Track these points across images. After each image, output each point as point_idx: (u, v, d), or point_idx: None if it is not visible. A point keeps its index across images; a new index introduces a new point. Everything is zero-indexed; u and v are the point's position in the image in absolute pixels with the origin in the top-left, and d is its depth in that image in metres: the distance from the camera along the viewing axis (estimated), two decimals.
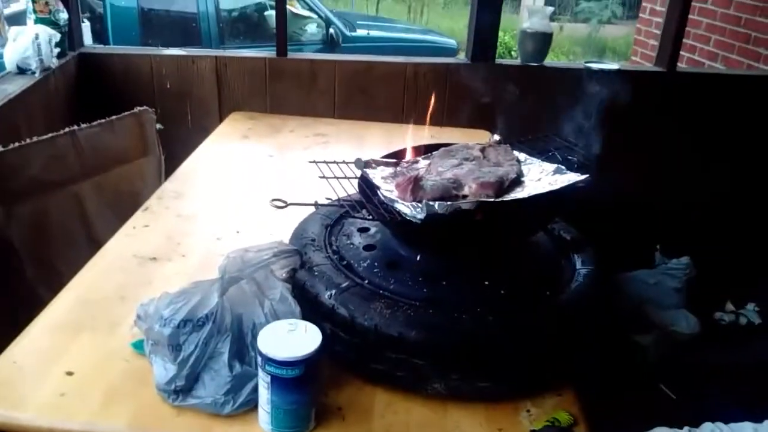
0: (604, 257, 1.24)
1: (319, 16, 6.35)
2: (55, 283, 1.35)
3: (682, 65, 2.93)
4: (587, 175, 1.14)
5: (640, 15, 4.85)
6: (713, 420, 1.06)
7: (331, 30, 6.25)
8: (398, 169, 1.23)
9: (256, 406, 0.99)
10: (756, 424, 0.99)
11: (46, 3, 2.21)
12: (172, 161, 2.11)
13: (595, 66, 2.74)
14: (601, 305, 1.17)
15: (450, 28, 10.37)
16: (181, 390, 1.01)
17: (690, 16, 2.84)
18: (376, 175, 1.20)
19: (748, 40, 3.69)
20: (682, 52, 2.87)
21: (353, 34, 6.57)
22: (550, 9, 2.73)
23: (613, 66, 2.79)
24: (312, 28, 6.35)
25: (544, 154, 1.30)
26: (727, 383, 2.42)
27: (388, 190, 1.14)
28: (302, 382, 0.93)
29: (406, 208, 1.06)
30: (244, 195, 1.79)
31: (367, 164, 1.23)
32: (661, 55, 2.80)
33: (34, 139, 1.74)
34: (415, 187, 1.09)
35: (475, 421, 1.02)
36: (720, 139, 2.86)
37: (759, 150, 2.89)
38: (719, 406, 2.21)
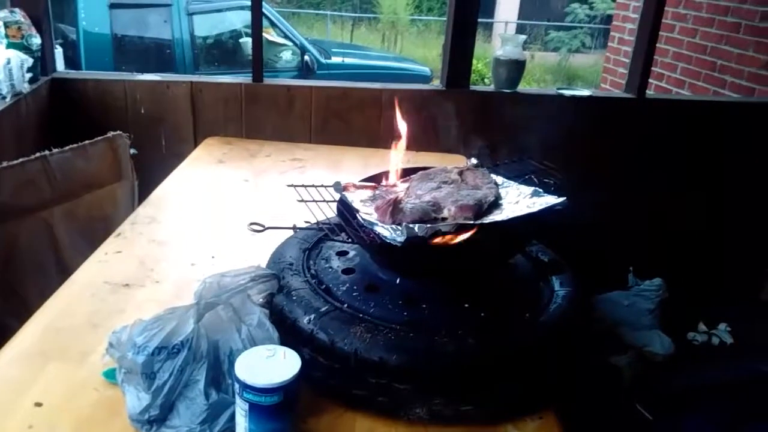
0: (581, 279, 1.25)
1: (294, 44, 6.39)
2: (23, 311, 1.31)
3: (650, 92, 3.00)
4: (564, 198, 1.15)
5: (609, 44, 4.98)
6: None
7: (307, 57, 6.29)
8: (377, 192, 1.23)
9: None
10: None
11: (19, 28, 2.18)
12: (146, 187, 2.08)
13: (567, 92, 2.80)
14: (581, 327, 1.18)
15: (423, 56, 10.54)
16: (155, 420, 0.97)
17: (657, 45, 2.92)
18: (355, 199, 1.20)
19: (714, 67, 3.80)
20: (650, 80, 2.95)
21: (328, 61, 6.62)
22: (523, 37, 2.79)
23: (585, 92, 2.85)
24: (287, 56, 6.39)
25: (520, 178, 1.31)
26: (701, 403, 2.43)
27: (367, 213, 1.14)
28: (281, 409, 0.90)
29: (386, 231, 1.06)
30: (220, 220, 1.77)
31: (346, 188, 1.23)
32: (631, 81, 2.87)
33: (4, 164, 1.70)
34: (394, 210, 1.09)
35: None
36: (689, 164, 2.92)
37: (727, 174, 2.96)
38: (695, 426, 2.24)
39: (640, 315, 2.82)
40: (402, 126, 1.25)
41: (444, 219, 1.11)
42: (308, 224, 1.22)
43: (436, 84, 2.90)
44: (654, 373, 2.61)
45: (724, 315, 3.04)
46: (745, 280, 3.20)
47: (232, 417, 0.95)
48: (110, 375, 1.08)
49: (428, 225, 1.05)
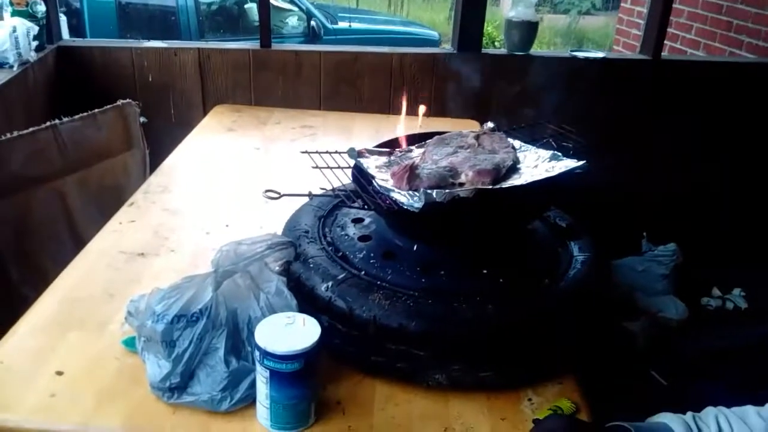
0: (599, 244, 1.23)
1: (300, 9, 6.30)
2: (40, 281, 1.31)
3: (665, 54, 2.93)
4: (584, 161, 1.13)
5: (622, 4, 4.87)
6: (704, 404, 1.06)
7: (313, 22, 6.20)
8: (392, 158, 1.21)
9: (253, 402, 0.96)
10: (758, 408, 0.99)
11: None
12: (156, 155, 2.07)
13: (581, 54, 2.74)
14: (600, 292, 1.16)
15: (431, 20, 10.36)
16: (176, 387, 0.98)
17: (672, 5, 2.84)
18: (371, 165, 1.18)
19: (730, 27, 3.71)
20: (664, 41, 2.88)
21: (335, 26, 6.53)
22: None
23: (599, 54, 2.79)
24: (293, 21, 6.30)
25: (538, 141, 1.29)
26: (715, 368, 2.44)
27: (383, 179, 1.12)
28: (302, 376, 0.90)
29: (403, 197, 1.04)
30: (232, 188, 1.76)
31: (361, 154, 1.21)
32: (646, 43, 2.80)
33: (15, 134, 1.69)
34: (411, 176, 1.07)
35: (478, 412, 1.01)
36: (706, 127, 2.87)
37: (745, 136, 2.91)
38: (709, 391, 2.24)
39: (654, 280, 2.81)
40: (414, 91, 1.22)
41: (461, 184, 1.10)
42: (324, 191, 1.21)
43: (447, 47, 2.85)
44: (668, 338, 2.60)
45: (738, 280, 3.03)
46: (760, 244, 3.18)
47: (253, 384, 0.96)
48: (130, 343, 1.08)
49: (446, 190, 1.03)
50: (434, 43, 7.01)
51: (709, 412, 0.98)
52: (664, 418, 0.95)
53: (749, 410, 0.98)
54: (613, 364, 2.24)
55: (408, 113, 1.33)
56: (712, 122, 2.87)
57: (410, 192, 1.05)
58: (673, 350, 2.54)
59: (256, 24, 6.05)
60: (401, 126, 1.30)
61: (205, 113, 2.45)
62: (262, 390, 0.92)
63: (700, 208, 2.99)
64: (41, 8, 2.24)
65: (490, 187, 1.07)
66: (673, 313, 2.69)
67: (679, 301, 2.74)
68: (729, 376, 2.31)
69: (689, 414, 0.98)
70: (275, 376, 0.90)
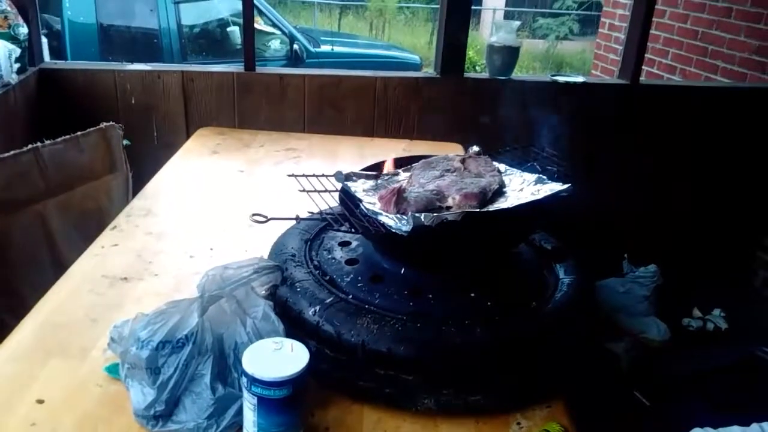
0: (584, 266, 1.24)
1: (283, 33, 6.33)
2: (19, 307, 1.29)
3: (642, 78, 2.99)
4: (569, 184, 1.14)
5: (600, 30, 4.97)
6: (687, 425, 1.07)
7: (296, 46, 6.23)
8: (379, 181, 1.22)
9: (240, 430, 0.95)
10: (744, 428, 1.00)
11: (5, 17, 2.14)
12: (139, 178, 2.05)
13: (561, 79, 2.79)
14: (586, 314, 1.17)
15: (412, 44, 10.48)
16: (161, 415, 0.96)
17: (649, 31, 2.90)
18: (358, 188, 1.18)
19: (705, 53, 3.80)
20: (642, 66, 2.94)
21: (317, 49, 6.56)
22: (517, 23, 2.77)
23: (579, 79, 2.84)
24: (276, 45, 6.33)
25: (523, 165, 1.30)
26: (698, 388, 2.45)
27: (370, 202, 1.12)
28: (290, 402, 0.89)
29: (391, 220, 1.04)
30: (217, 211, 1.75)
31: (348, 177, 1.21)
32: (625, 67, 2.86)
33: None
34: (398, 199, 1.08)
35: None
36: (682, 150, 2.93)
37: (719, 159, 2.97)
38: (691, 411, 2.26)
39: (635, 301, 2.82)
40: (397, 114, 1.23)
41: (448, 208, 1.10)
42: (311, 214, 1.20)
43: (430, 71, 2.88)
44: (651, 359, 2.62)
45: (717, 300, 3.06)
46: (738, 265, 3.23)
47: (239, 411, 0.94)
48: (113, 370, 1.06)
49: (434, 214, 1.04)
50: (416, 66, 7.08)
51: None
52: None
53: (735, 430, 0.99)
54: (598, 386, 2.24)
55: (392, 136, 1.34)
56: (690, 145, 2.92)
57: (398, 215, 1.05)
58: (656, 371, 2.56)
59: (239, 47, 6.03)
60: (385, 149, 1.31)
61: (188, 136, 2.45)
62: (250, 417, 0.91)
63: (680, 229, 3.03)
64: (23, 30, 2.22)
65: (478, 210, 1.08)
66: (655, 334, 2.71)
67: (661, 322, 2.76)
68: (712, 396, 2.32)
69: None
70: (263, 403, 0.89)
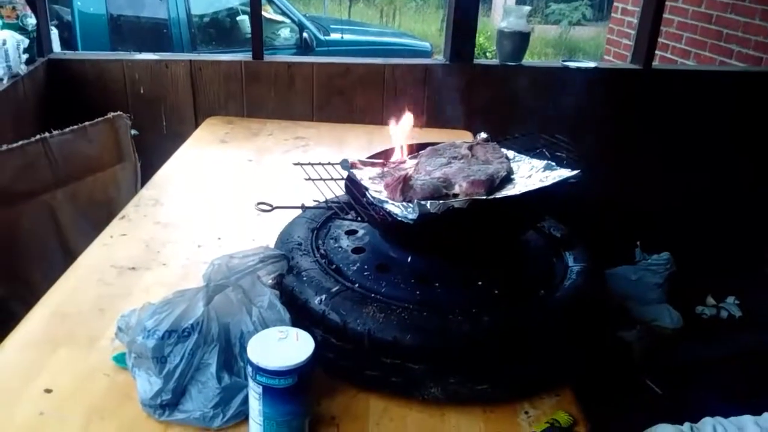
0: (593, 254, 1.22)
1: (293, 21, 6.30)
2: (29, 297, 1.29)
3: (656, 63, 2.95)
4: (578, 171, 1.12)
5: (613, 15, 4.90)
6: (700, 414, 1.05)
7: (305, 34, 6.20)
8: (385, 169, 1.21)
9: (246, 419, 0.95)
10: (756, 417, 0.98)
11: (14, 8, 2.14)
12: (147, 168, 2.06)
13: (573, 64, 2.75)
14: (596, 302, 1.16)
15: (422, 31, 10.40)
16: (168, 404, 0.96)
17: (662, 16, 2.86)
18: (364, 176, 1.17)
19: (720, 37, 3.74)
20: (655, 51, 2.89)
21: (327, 38, 6.53)
22: (527, 8, 2.73)
23: (591, 64, 2.80)
24: (285, 33, 6.30)
25: (531, 152, 1.28)
26: (710, 377, 2.43)
27: (376, 190, 1.11)
28: (296, 391, 0.89)
29: (397, 208, 1.03)
30: (225, 200, 1.74)
31: (354, 165, 1.20)
32: (637, 52, 2.82)
33: (4, 147, 1.67)
34: (404, 187, 1.07)
35: (474, 425, 0.99)
36: (696, 136, 2.88)
37: (736, 144, 2.92)
38: (704, 399, 2.24)
39: (648, 289, 2.80)
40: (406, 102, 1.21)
41: (455, 195, 1.09)
42: (317, 203, 1.20)
43: (439, 58, 2.85)
44: (663, 347, 2.60)
45: (731, 288, 3.03)
46: (753, 252, 3.18)
47: (245, 400, 0.94)
48: (120, 359, 1.07)
49: (440, 201, 1.03)
50: (426, 54, 7.03)
51: (707, 423, 0.97)
52: (662, 429, 0.95)
53: (747, 420, 0.98)
54: (609, 374, 2.23)
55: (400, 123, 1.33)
56: (704, 130, 2.88)
57: (404, 203, 1.04)
58: (669, 359, 2.54)
59: (248, 36, 6.01)
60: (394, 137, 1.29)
61: (196, 125, 2.45)
62: (255, 406, 0.91)
63: (693, 216, 3.00)
64: (32, 21, 2.22)
65: (485, 197, 1.07)
66: (668, 322, 2.68)
67: (674, 310, 2.74)
68: (725, 384, 2.30)
69: (687, 425, 0.97)
70: (268, 392, 0.88)
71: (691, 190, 2.95)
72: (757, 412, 1.02)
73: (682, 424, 0.99)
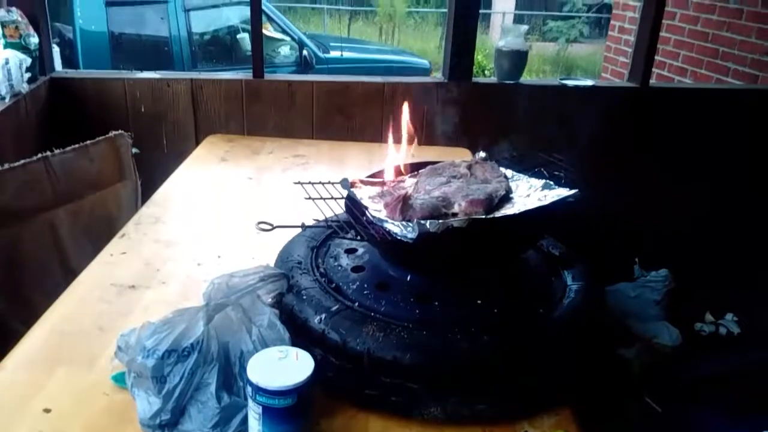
0: (593, 272, 1.23)
1: (293, 39, 6.36)
2: (29, 315, 1.29)
3: (653, 81, 2.98)
4: (577, 190, 1.13)
5: (610, 33, 4.95)
6: (700, 431, 1.05)
7: (305, 52, 6.26)
8: (385, 188, 1.21)
9: None
10: None
11: (16, 27, 2.16)
12: (148, 186, 2.07)
13: (570, 83, 2.78)
14: (595, 320, 1.16)
15: (422, 49, 10.49)
16: (167, 424, 0.96)
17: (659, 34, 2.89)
18: (363, 195, 1.18)
19: (716, 54, 3.78)
20: (652, 69, 2.92)
21: (327, 55, 6.59)
22: (525, 27, 2.76)
23: (588, 82, 2.83)
24: (285, 51, 6.35)
25: (530, 171, 1.29)
26: (711, 394, 2.42)
27: (376, 209, 1.12)
28: (295, 411, 0.89)
29: (397, 227, 1.04)
30: (225, 219, 1.75)
31: (353, 184, 1.21)
32: (634, 71, 2.84)
33: (6, 165, 1.68)
34: (404, 206, 1.07)
35: None
36: (693, 153, 2.90)
37: (732, 162, 2.94)
38: (703, 417, 2.23)
39: (647, 306, 2.80)
40: (409, 121, 1.22)
41: (455, 214, 1.09)
42: (317, 222, 1.20)
43: (438, 76, 2.88)
44: (662, 364, 2.59)
45: (730, 305, 3.03)
46: (751, 269, 3.19)
47: (245, 420, 0.94)
48: (120, 379, 1.06)
49: (439, 221, 1.03)
50: (425, 71, 7.08)
51: None
52: None
53: None
54: (609, 392, 2.22)
55: (400, 142, 1.34)
56: (702, 148, 2.90)
57: (404, 222, 1.05)
58: (668, 376, 2.53)
59: (249, 54, 6.06)
60: (393, 156, 1.30)
61: (197, 143, 2.46)
62: (255, 426, 0.91)
63: (691, 233, 3.01)
64: (34, 40, 2.25)
65: (484, 216, 1.07)
66: (667, 339, 2.68)
67: (673, 327, 2.74)
68: (724, 402, 2.29)
69: None
70: (268, 413, 0.88)
71: (688, 207, 2.96)
72: (755, 429, 1.02)
73: None
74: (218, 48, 6.26)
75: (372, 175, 1.27)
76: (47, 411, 1.01)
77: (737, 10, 3.62)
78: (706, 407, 2.29)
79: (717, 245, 3.03)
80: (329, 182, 1.29)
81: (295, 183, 1.28)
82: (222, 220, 1.74)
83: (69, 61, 5.37)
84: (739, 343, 2.88)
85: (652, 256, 2.97)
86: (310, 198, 1.23)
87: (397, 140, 1.28)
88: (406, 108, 1.24)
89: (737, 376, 2.49)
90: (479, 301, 1.09)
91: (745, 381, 2.45)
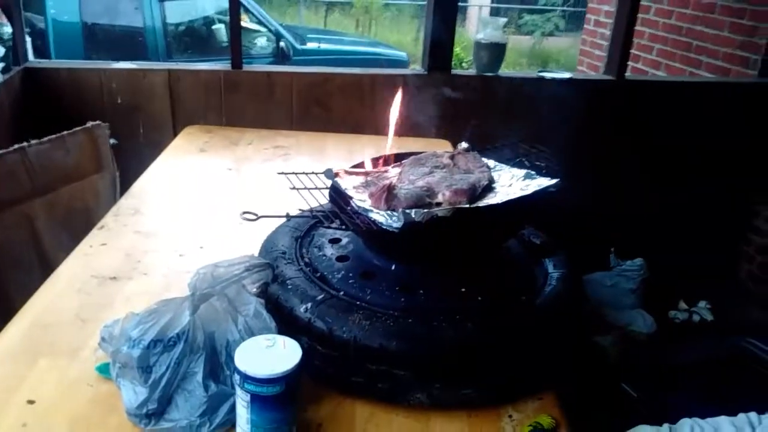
0: (573, 260, 1.25)
1: (269, 30, 6.30)
2: (5, 308, 1.28)
3: (627, 74, 3.02)
4: (558, 179, 1.15)
5: (585, 26, 5.00)
6: (675, 416, 1.08)
7: (282, 43, 6.21)
8: (369, 178, 1.22)
9: (233, 427, 0.95)
10: (732, 418, 1.01)
11: None
12: (125, 177, 2.05)
13: (548, 75, 2.80)
14: (575, 307, 1.18)
15: (398, 41, 10.47)
16: (154, 413, 0.96)
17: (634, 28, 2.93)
18: (348, 185, 1.18)
19: (689, 48, 3.84)
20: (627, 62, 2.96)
21: (303, 47, 6.54)
22: (504, 20, 2.78)
23: (566, 75, 2.86)
24: (262, 42, 6.29)
25: (511, 161, 1.31)
26: (684, 380, 2.48)
27: (360, 199, 1.13)
28: (283, 399, 0.89)
29: (382, 217, 1.05)
30: (206, 209, 1.74)
31: (337, 174, 1.21)
32: (611, 64, 2.88)
33: None
34: (389, 196, 1.08)
35: (459, 430, 1.01)
36: (667, 145, 2.95)
37: (703, 154, 3.00)
38: (679, 402, 2.28)
39: (622, 295, 2.86)
40: (394, 112, 1.23)
41: (438, 204, 1.11)
42: (302, 212, 1.21)
43: (418, 68, 2.89)
44: (638, 351, 2.65)
45: (703, 293, 3.10)
46: (723, 258, 3.26)
47: (232, 408, 0.94)
48: (104, 370, 1.06)
49: (424, 210, 1.04)
50: (403, 63, 7.08)
51: (685, 424, 1.00)
52: (642, 430, 0.97)
53: (723, 421, 1.01)
54: (587, 379, 2.26)
55: (379, 134, 1.35)
56: (675, 139, 2.95)
57: (389, 212, 1.05)
58: (643, 363, 2.58)
59: (225, 45, 5.98)
60: (373, 147, 1.31)
61: (175, 134, 2.44)
62: (243, 414, 0.91)
63: (666, 223, 3.06)
64: (7, 29, 2.20)
65: (468, 206, 1.09)
66: (642, 327, 2.74)
67: (648, 314, 2.79)
68: (698, 388, 2.35)
69: (665, 426, 1.00)
70: (256, 400, 0.89)
71: (663, 197, 3.02)
72: (731, 414, 1.06)
73: (659, 425, 1.01)
74: (194, 39, 6.18)
75: (355, 166, 1.27)
76: (31, 402, 1.01)
77: (710, 5, 3.68)
78: (681, 393, 2.34)
79: (691, 234, 3.09)
80: (313, 173, 1.29)
81: (279, 173, 1.28)
82: (203, 211, 1.73)
83: (40, 52, 5.25)
84: (712, 330, 2.95)
85: (628, 245, 3.02)
86: (294, 188, 1.23)
87: (380, 131, 1.29)
88: (398, 98, 1.24)
89: (711, 363, 2.55)
90: (463, 290, 1.11)
91: (718, 367, 2.51)
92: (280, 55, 6.15)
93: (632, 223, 3.03)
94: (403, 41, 10.76)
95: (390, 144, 1.26)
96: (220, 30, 6.03)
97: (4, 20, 2.19)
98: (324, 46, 6.91)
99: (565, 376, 1.13)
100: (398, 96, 1.24)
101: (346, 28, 11.35)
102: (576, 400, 1.26)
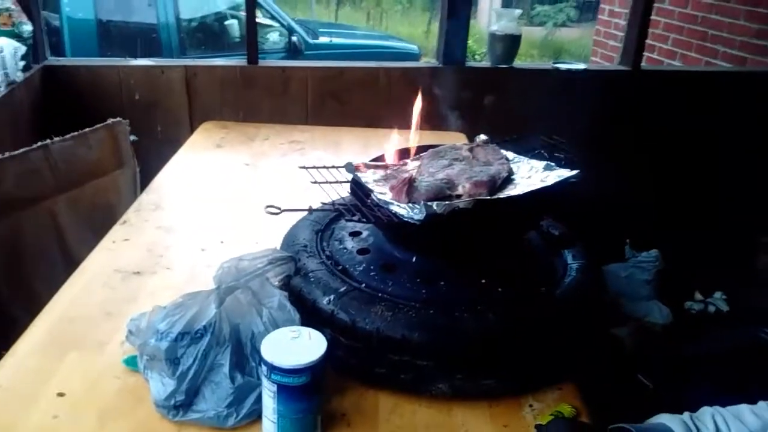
0: (592, 251, 1.25)
1: (282, 25, 6.31)
2: (30, 302, 1.30)
3: (643, 64, 3.00)
4: (578, 170, 1.15)
5: (599, 17, 4.96)
6: (691, 407, 1.08)
7: (294, 38, 6.22)
8: (389, 171, 1.23)
9: (259, 417, 0.97)
10: (752, 406, 1.02)
11: (10, 15, 2.14)
12: (144, 173, 2.07)
13: (563, 66, 2.80)
14: (595, 298, 1.19)
15: (410, 34, 10.44)
16: (182, 405, 0.98)
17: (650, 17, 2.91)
18: (368, 179, 1.19)
19: (705, 37, 3.80)
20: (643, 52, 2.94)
21: (315, 41, 6.55)
22: (518, 11, 2.77)
23: (581, 66, 2.85)
24: (274, 37, 6.31)
25: (530, 153, 1.31)
26: (700, 370, 2.47)
27: (381, 192, 1.14)
28: (309, 389, 0.91)
29: (403, 209, 1.06)
30: (225, 204, 1.76)
31: (357, 168, 1.22)
32: (626, 54, 2.87)
33: (6, 154, 1.68)
34: (409, 189, 1.09)
35: (481, 420, 1.02)
36: (684, 134, 2.94)
37: (722, 143, 2.98)
38: (694, 393, 2.28)
39: (638, 286, 2.85)
40: (417, 107, 1.24)
41: (459, 196, 1.12)
42: (324, 205, 1.22)
43: (432, 61, 2.89)
44: (654, 342, 2.64)
45: (719, 283, 3.08)
46: (740, 248, 3.24)
47: (258, 399, 0.96)
48: (131, 362, 1.08)
49: (445, 202, 1.05)
50: (414, 56, 7.06)
51: (706, 412, 1.00)
52: (663, 419, 0.98)
53: (744, 409, 1.01)
54: (604, 369, 2.27)
55: (398, 128, 1.35)
56: (692, 130, 2.93)
57: (410, 204, 1.07)
58: (659, 354, 2.58)
59: (237, 40, 5.98)
60: (389, 140, 1.32)
61: (192, 130, 2.46)
62: (269, 405, 0.93)
63: (681, 213, 3.05)
64: (28, 28, 2.23)
65: (489, 197, 1.10)
66: (658, 318, 2.73)
67: (663, 305, 2.79)
68: (714, 378, 2.34)
69: (686, 414, 1.00)
70: (283, 391, 0.90)
71: (679, 187, 3.00)
72: (751, 402, 1.06)
73: (682, 414, 1.02)
74: (206, 35, 6.21)
75: (374, 160, 1.28)
76: (61, 395, 1.03)
77: None
78: (697, 383, 2.34)
79: (706, 226, 3.07)
80: (333, 166, 1.30)
81: (301, 167, 1.29)
82: (222, 206, 1.75)
83: (55, 49, 5.28)
84: (728, 320, 2.93)
85: (643, 236, 3.01)
86: (316, 182, 1.24)
87: (396, 124, 1.30)
88: (420, 96, 1.25)
89: (727, 354, 2.54)
90: (483, 281, 1.12)
91: (734, 357, 2.50)
92: (293, 50, 6.17)
93: (648, 213, 3.02)
94: (414, 34, 10.73)
95: (413, 138, 1.27)
96: (233, 25, 6.06)
97: (25, 19, 2.22)
98: (336, 40, 6.91)
99: (585, 366, 1.13)
100: (420, 94, 1.25)
101: (357, 22, 11.32)
102: (594, 390, 1.27)
